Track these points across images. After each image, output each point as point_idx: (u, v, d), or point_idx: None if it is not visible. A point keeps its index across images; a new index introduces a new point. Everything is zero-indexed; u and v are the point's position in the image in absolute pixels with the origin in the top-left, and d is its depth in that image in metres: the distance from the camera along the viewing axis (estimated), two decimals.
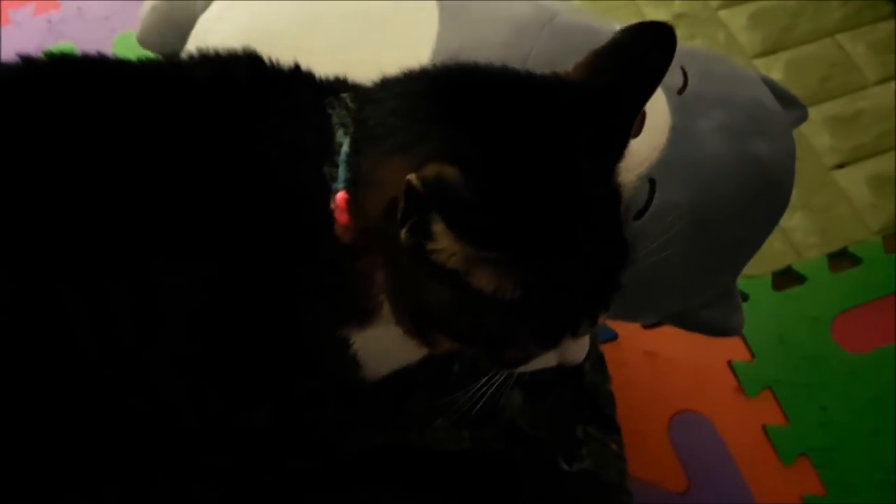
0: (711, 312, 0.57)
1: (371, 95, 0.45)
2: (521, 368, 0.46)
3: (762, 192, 0.54)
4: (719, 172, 0.53)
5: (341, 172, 0.42)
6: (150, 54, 0.84)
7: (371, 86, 0.46)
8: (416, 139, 0.41)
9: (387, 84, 0.46)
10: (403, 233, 0.38)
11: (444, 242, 0.38)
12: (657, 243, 0.53)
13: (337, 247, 0.42)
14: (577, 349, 0.46)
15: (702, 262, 0.54)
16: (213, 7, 0.66)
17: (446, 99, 0.43)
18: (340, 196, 0.41)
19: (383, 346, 0.46)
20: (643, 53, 0.43)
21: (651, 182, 0.52)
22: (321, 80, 0.48)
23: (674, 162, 0.52)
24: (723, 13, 1.06)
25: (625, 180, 0.43)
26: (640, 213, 0.51)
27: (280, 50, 0.59)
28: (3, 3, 1.05)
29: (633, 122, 0.43)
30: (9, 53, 1.06)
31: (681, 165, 0.52)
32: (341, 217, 0.41)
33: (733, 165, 0.53)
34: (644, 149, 0.52)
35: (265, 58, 0.48)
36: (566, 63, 0.54)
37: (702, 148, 0.53)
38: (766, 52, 1.03)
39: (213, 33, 0.64)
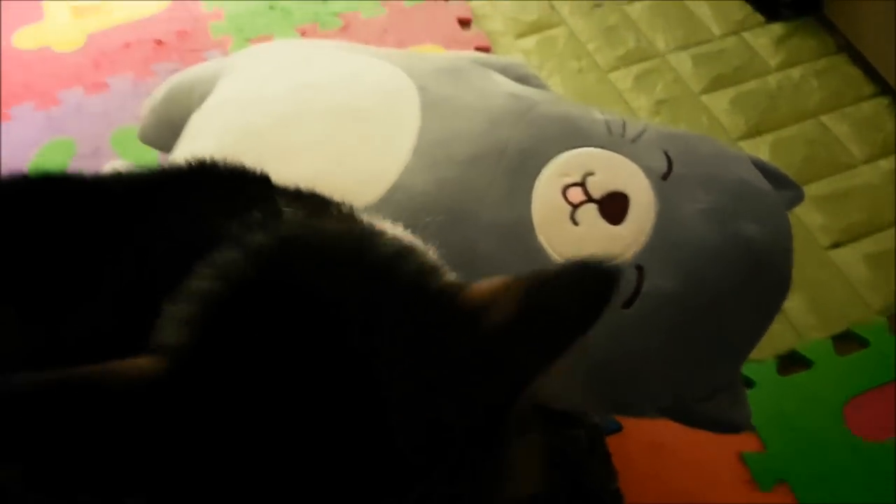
0: (712, 407, 0.54)
1: None
2: None
3: (756, 277, 0.52)
4: (707, 257, 0.51)
5: None
6: (150, 150, 0.86)
7: None
8: None
9: None
10: None
11: None
12: (646, 333, 0.51)
13: None
14: None
15: (695, 353, 0.52)
16: (204, 105, 0.67)
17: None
18: None
19: None
20: (567, 304, 0.32)
21: (638, 269, 0.50)
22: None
23: (660, 247, 0.50)
24: (705, 97, 1.08)
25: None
26: (629, 302, 0.50)
27: (263, 148, 0.59)
28: (4, 98, 1.07)
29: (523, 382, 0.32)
30: (9, 148, 1.08)
31: (667, 251, 0.50)
32: None
33: (721, 249, 0.51)
34: (628, 235, 0.50)
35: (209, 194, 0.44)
36: (543, 152, 0.54)
37: (688, 232, 0.51)
38: (750, 135, 1.04)
39: (201, 133, 0.65)
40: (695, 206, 0.52)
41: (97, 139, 1.03)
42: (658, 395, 0.54)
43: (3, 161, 0.99)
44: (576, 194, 0.52)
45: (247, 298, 0.33)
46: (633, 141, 0.54)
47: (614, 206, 0.51)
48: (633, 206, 0.51)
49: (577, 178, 0.52)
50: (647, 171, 0.52)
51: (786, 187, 0.57)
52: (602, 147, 0.53)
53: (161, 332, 0.33)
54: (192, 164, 0.45)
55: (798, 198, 0.59)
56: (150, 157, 0.93)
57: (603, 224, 0.51)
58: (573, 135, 0.54)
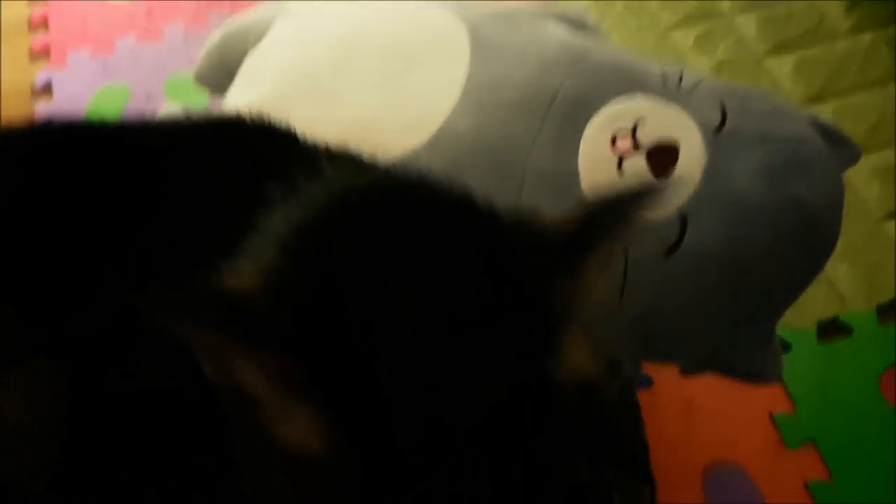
0: (746, 358, 0.56)
1: None
2: None
3: (802, 235, 0.53)
4: (753, 212, 0.52)
5: None
6: (202, 96, 0.89)
7: None
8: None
9: None
10: None
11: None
12: (686, 284, 0.53)
13: None
14: None
15: (733, 305, 0.53)
16: (259, 46, 0.70)
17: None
18: None
19: None
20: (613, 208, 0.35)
21: (682, 219, 0.52)
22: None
23: (706, 200, 0.52)
24: (768, 61, 1.06)
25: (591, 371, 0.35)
26: (670, 252, 0.51)
27: (314, 89, 0.61)
28: (61, 45, 1.12)
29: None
30: (65, 93, 1.13)
31: (713, 204, 0.52)
32: None
33: (769, 205, 0.52)
34: (675, 186, 0.52)
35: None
36: (595, 100, 0.55)
37: (735, 186, 0.52)
38: (812, 101, 1.02)
39: (255, 74, 0.67)
40: (745, 161, 0.52)
41: (151, 85, 1.07)
42: (694, 345, 0.55)
43: (60, 105, 1.04)
44: (624, 143, 0.53)
45: (323, 234, 0.35)
46: (689, 92, 0.55)
47: (663, 157, 0.53)
48: (682, 157, 0.52)
49: (627, 127, 0.53)
50: (700, 123, 0.53)
51: (841, 146, 0.57)
52: (656, 96, 0.54)
53: (240, 265, 0.34)
54: (217, 123, 0.47)
55: (854, 157, 0.58)
56: (202, 104, 0.97)
57: (649, 175, 0.52)
58: (626, 83, 0.55)
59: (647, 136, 0.53)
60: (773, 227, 0.53)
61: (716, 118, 0.54)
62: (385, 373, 0.31)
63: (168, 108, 0.93)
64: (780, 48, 1.06)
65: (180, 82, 1.05)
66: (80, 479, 0.41)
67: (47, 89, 1.07)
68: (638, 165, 0.52)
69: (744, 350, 0.55)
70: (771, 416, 0.80)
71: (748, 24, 1.09)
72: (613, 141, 0.53)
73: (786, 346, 0.84)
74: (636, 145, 0.53)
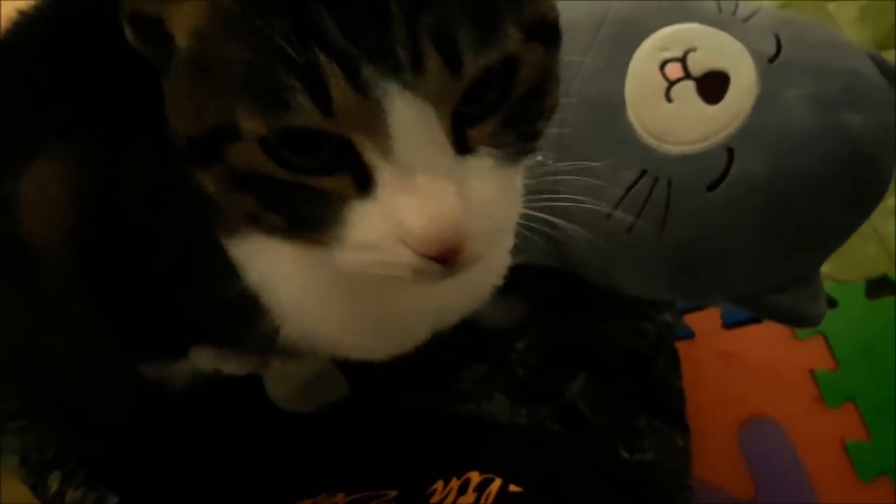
0: (787, 298, 0.54)
1: None
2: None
3: (852, 170, 0.50)
4: (802, 144, 0.49)
5: None
6: None
7: None
8: None
9: None
10: None
11: None
12: (730, 218, 0.51)
13: None
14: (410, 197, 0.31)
15: (776, 241, 0.51)
16: None
17: None
18: None
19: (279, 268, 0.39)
20: None
21: (729, 151, 0.50)
22: None
23: (755, 131, 0.49)
24: (831, 5, 1.02)
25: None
26: (716, 184, 0.49)
27: None
28: None
29: None
30: None
31: (762, 135, 0.49)
32: None
33: (819, 138, 0.49)
34: (723, 116, 0.50)
35: None
36: (645, 24, 0.53)
37: (786, 118, 0.50)
38: (875, 48, 0.97)
39: None
40: (798, 93, 0.50)
41: None
42: (735, 281, 0.54)
43: None
44: (674, 70, 0.51)
45: None
46: (744, 21, 0.52)
47: (713, 86, 0.50)
48: (732, 86, 0.50)
49: (678, 54, 0.51)
50: (753, 53, 0.51)
51: None
52: (709, 24, 0.52)
53: None
54: None
55: None
56: None
57: (698, 103, 0.50)
58: (679, 9, 0.53)
59: (698, 64, 0.51)
60: (823, 160, 0.50)
61: (770, 48, 0.51)
62: None
63: None
64: None
65: None
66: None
67: None
68: (688, 93, 0.51)
69: (786, 289, 0.53)
70: (812, 372, 0.79)
71: None
72: (663, 68, 0.51)
73: (833, 303, 0.81)
74: (686, 73, 0.51)
